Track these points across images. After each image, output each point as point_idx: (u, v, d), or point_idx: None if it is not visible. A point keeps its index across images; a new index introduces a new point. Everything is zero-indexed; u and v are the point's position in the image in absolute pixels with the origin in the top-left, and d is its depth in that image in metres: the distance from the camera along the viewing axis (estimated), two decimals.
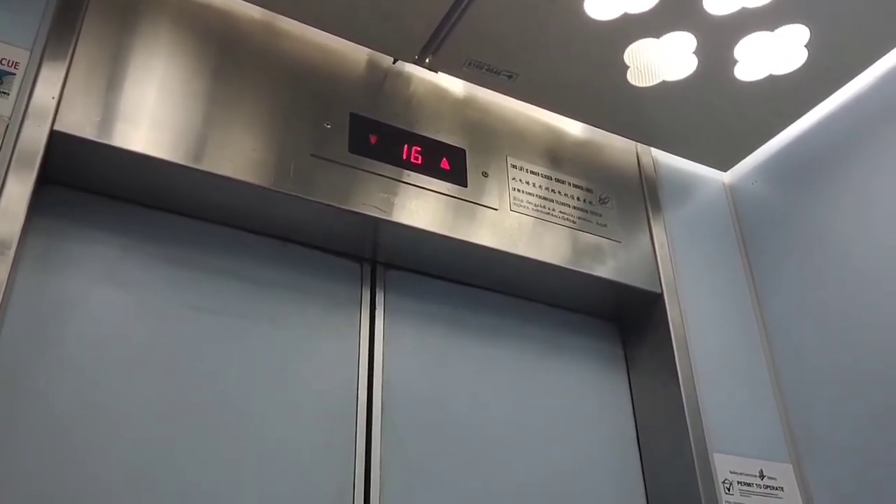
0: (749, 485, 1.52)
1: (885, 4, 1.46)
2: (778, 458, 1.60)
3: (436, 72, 1.60)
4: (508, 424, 1.54)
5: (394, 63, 1.60)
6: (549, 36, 1.48)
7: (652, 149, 1.88)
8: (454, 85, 1.66)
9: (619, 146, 1.84)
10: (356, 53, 1.57)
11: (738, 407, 1.63)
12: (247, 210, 1.40)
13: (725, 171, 1.96)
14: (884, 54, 1.58)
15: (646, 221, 1.76)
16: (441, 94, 1.64)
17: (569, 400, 1.63)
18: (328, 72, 1.52)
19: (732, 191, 1.95)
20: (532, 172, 1.66)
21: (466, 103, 1.66)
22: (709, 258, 1.82)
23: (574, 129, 1.79)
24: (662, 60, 1.55)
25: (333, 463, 1.33)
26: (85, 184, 1.32)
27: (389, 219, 1.42)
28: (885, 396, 1.47)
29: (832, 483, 1.54)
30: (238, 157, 1.33)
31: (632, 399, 1.70)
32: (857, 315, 1.56)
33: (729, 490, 1.48)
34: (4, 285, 1.07)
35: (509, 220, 1.56)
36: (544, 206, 1.62)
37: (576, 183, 1.71)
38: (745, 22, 1.47)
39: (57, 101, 1.20)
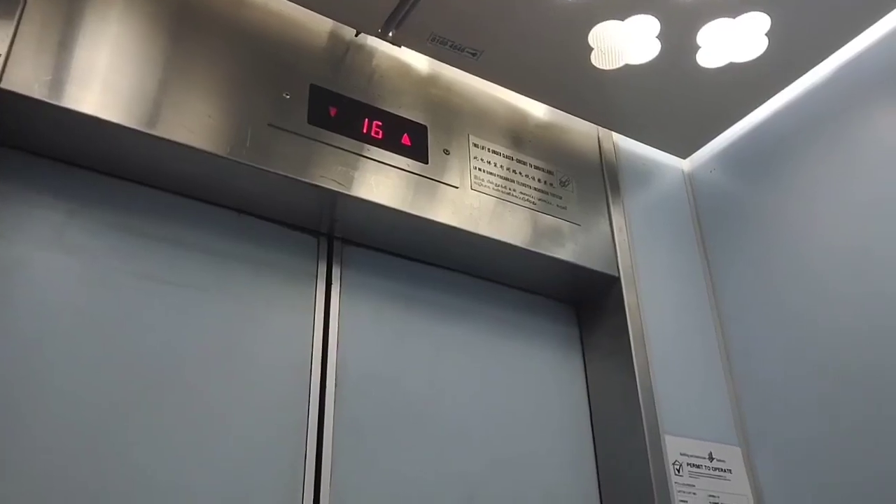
0: (698, 466, 1.54)
1: None
2: (728, 442, 1.62)
3: (399, 46, 1.58)
4: (464, 404, 1.53)
5: (356, 35, 1.57)
6: (514, 13, 1.47)
7: (613, 134, 1.89)
8: (417, 61, 1.64)
9: (581, 130, 1.84)
10: (318, 24, 1.54)
11: (690, 391, 1.65)
12: (201, 179, 1.36)
13: (685, 158, 1.97)
14: (842, 45, 1.61)
15: (605, 205, 1.77)
16: (403, 70, 1.62)
17: (525, 381, 1.64)
18: (289, 42, 1.48)
19: (691, 178, 1.97)
20: (494, 152, 1.65)
21: (429, 80, 1.64)
22: (666, 244, 1.83)
23: (537, 110, 1.78)
24: (626, 43, 1.55)
25: (284, 439, 1.31)
26: (32, 146, 1.27)
27: (348, 193, 1.40)
28: (830, 385, 1.50)
29: (779, 466, 1.56)
30: (193, 124, 1.29)
31: (587, 381, 1.71)
32: (807, 304, 1.58)
33: (679, 471, 1.50)
34: None
35: (469, 199, 1.55)
36: (505, 187, 1.62)
37: (537, 164, 1.70)
38: (708, 7, 1.48)
39: (4, 58, 1.16)
